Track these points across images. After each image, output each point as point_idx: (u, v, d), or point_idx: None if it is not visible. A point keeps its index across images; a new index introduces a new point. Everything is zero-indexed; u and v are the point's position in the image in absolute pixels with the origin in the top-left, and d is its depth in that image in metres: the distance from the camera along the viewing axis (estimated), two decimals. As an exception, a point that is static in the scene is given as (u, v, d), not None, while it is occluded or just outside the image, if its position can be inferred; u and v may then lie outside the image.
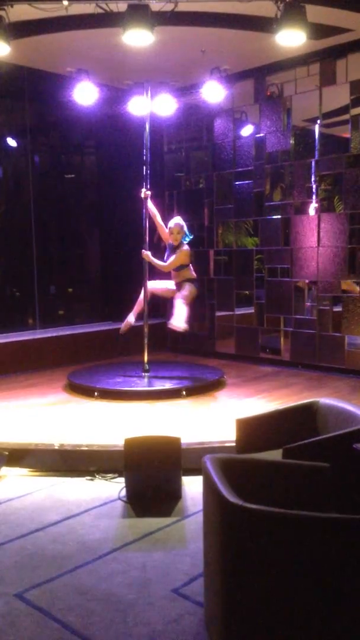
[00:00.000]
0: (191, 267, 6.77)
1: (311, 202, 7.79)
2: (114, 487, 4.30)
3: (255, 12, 5.82)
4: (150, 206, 6.72)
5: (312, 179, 7.60)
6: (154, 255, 6.67)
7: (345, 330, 7.24)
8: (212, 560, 2.54)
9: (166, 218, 9.20)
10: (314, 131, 7.52)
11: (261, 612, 2.32)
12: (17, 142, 8.58)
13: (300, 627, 2.29)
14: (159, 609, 2.85)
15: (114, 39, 6.16)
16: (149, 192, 6.67)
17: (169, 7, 5.44)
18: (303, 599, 2.28)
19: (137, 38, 5.38)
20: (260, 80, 7.85)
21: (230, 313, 8.43)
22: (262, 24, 5.88)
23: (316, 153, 7.50)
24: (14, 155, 8.71)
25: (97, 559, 3.33)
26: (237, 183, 8.22)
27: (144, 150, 6.70)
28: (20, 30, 6.00)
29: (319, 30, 6.31)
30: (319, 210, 7.64)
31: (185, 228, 6.68)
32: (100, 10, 5.64)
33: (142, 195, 6.68)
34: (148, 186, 6.70)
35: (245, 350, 8.24)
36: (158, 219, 6.79)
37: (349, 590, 2.27)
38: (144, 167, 6.70)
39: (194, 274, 6.79)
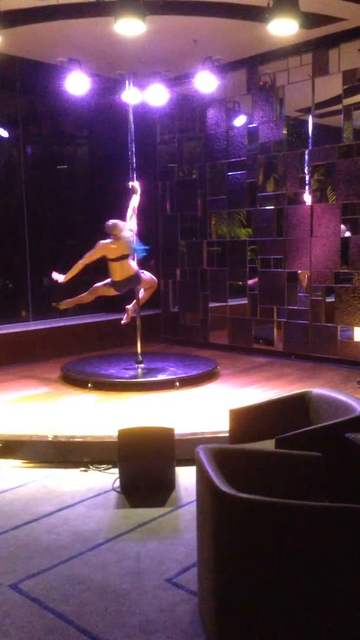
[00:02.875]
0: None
1: (304, 192, 7.78)
2: (107, 478, 4.32)
3: (248, 1, 5.78)
4: (133, 199, 6.66)
5: (305, 169, 7.59)
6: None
7: (338, 321, 7.26)
8: (206, 549, 2.56)
9: (159, 209, 9.20)
10: (306, 121, 7.50)
11: (254, 601, 2.34)
12: (9, 133, 8.53)
13: (293, 615, 2.31)
14: (153, 598, 2.87)
15: (105, 28, 6.12)
16: (137, 186, 6.62)
17: (160, -4, 5.41)
18: (296, 587, 2.30)
19: (129, 27, 5.34)
20: (252, 70, 7.82)
21: (224, 304, 8.44)
22: (254, 13, 5.85)
23: (309, 143, 7.49)
24: (5, 145, 8.66)
25: (91, 549, 3.35)
26: (230, 174, 8.20)
27: (129, 142, 6.67)
28: (12, 19, 5.94)
29: (311, 20, 6.28)
30: (312, 201, 7.63)
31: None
32: (91, -1, 5.60)
33: (131, 187, 6.64)
34: (133, 178, 6.66)
35: (239, 341, 8.26)
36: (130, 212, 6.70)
37: (341, 577, 2.29)
38: (130, 159, 6.67)
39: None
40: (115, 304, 8.90)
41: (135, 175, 6.69)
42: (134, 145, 6.72)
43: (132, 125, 6.71)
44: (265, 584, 2.32)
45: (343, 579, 2.29)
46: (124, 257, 6.43)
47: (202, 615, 2.68)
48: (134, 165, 6.70)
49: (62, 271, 6.47)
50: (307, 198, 7.77)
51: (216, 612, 2.42)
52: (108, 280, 6.58)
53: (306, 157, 7.51)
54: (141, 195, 6.73)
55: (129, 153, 6.68)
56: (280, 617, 2.33)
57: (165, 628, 2.64)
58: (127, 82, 6.67)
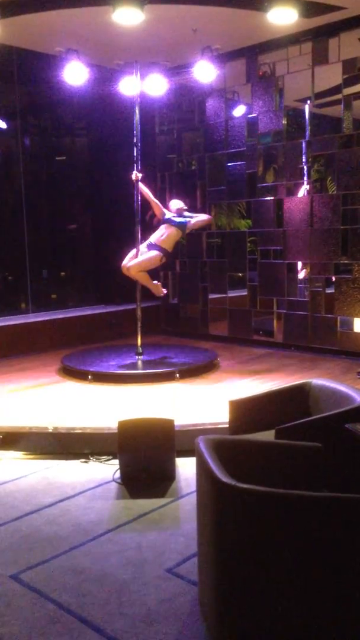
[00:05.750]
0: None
1: (304, 183, 7.75)
2: (108, 469, 4.33)
3: (247, -11, 5.75)
4: (142, 187, 6.68)
5: (305, 159, 7.56)
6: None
7: (338, 312, 7.25)
8: (206, 539, 2.56)
9: (158, 200, 9.17)
10: (306, 111, 7.46)
11: (254, 591, 2.34)
12: (7, 124, 8.49)
13: (293, 605, 2.32)
14: (154, 588, 2.88)
15: (103, 17, 6.08)
16: (139, 175, 6.62)
17: (159, -16, 5.37)
18: (296, 577, 2.31)
19: (127, 17, 5.33)
20: (252, 60, 7.77)
21: (224, 295, 8.43)
22: (253, 2, 5.81)
23: (308, 133, 7.46)
24: (3, 137, 8.62)
25: (91, 540, 3.36)
26: (229, 164, 8.16)
27: (134, 132, 6.64)
28: (9, 9, 5.91)
29: (310, 8, 6.25)
30: (312, 191, 7.61)
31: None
32: (89, -12, 5.56)
33: (133, 177, 6.64)
34: (139, 168, 6.65)
35: (239, 333, 8.25)
36: (151, 197, 6.73)
37: (341, 567, 2.30)
38: (135, 149, 6.65)
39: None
40: (113, 297, 8.92)
41: (135, 166, 6.66)
42: (139, 135, 6.67)
43: (138, 115, 6.65)
44: (265, 574, 2.32)
45: (343, 569, 2.30)
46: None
47: (202, 605, 2.69)
48: (139, 155, 6.66)
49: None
50: (307, 189, 7.74)
51: (216, 602, 2.43)
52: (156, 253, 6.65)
53: (306, 147, 7.47)
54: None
55: (134, 142, 6.63)
56: (281, 607, 2.33)
57: (165, 618, 2.65)
58: (134, 72, 6.61)
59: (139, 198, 6.67)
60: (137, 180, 6.61)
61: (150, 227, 7.06)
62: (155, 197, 6.94)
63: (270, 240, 7.85)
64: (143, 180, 6.69)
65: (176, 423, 4.20)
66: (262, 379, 6.21)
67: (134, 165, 6.65)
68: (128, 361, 6.67)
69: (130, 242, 6.75)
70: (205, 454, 2.57)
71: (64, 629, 2.60)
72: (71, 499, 3.90)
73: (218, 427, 4.53)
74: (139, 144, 6.66)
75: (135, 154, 6.64)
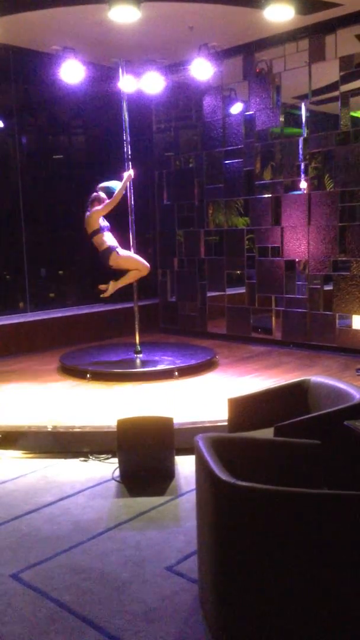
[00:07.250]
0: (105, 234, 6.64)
1: (301, 180, 7.75)
2: (107, 468, 4.33)
3: (243, -14, 5.74)
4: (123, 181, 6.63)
5: (302, 157, 7.55)
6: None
7: (336, 309, 7.26)
8: (205, 537, 2.56)
9: (156, 198, 9.17)
10: (302, 109, 7.45)
11: (254, 588, 2.35)
12: (4, 123, 8.47)
13: (292, 602, 2.32)
14: (154, 586, 2.88)
15: (100, 15, 6.07)
16: (131, 173, 6.61)
17: (155, -18, 5.36)
18: (296, 575, 2.31)
19: (124, 14, 5.32)
20: (249, 57, 7.75)
21: (222, 293, 8.42)
22: (250, -1, 5.81)
23: (305, 130, 7.45)
24: (0, 136, 8.60)
25: (91, 539, 3.36)
26: (226, 162, 8.15)
27: (123, 130, 6.65)
28: (4, 7, 5.89)
29: (307, 5, 6.24)
30: (310, 189, 7.60)
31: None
32: (85, -14, 5.55)
33: (125, 176, 6.62)
34: (129, 166, 6.64)
35: (237, 330, 8.25)
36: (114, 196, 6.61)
37: (341, 565, 2.30)
38: (125, 147, 6.65)
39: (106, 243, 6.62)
40: (113, 294, 8.84)
41: (130, 164, 6.66)
42: (128, 134, 6.68)
43: (126, 114, 6.66)
44: (265, 572, 2.33)
45: (343, 567, 2.30)
46: (92, 233, 6.61)
47: (202, 603, 2.69)
48: (129, 154, 6.66)
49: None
50: (304, 186, 7.74)
51: (216, 599, 2.43)
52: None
53: (303, 144, 7.46)
54: (138, 185, 6.69)
55: (130, 140, 6.64)
56: (281, 605, 2.33)
57: (166, 616, 2.65)
58: (120, 70, 6.61)
59: (132, 196, 6.66)
60: (129, 178, 6.59)
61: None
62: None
63: (268, 237, 7.84)
64: (141, 177, 6.66)
65: (175, 421, 4.20)
66: (261, 376, 6.21)
67: (128, 163, 6.65)
68: (127, 360, 6.67)
69: (128, 240, 6.75)
70: (205, 451, 2.57)
71: (64, 627, 2.60)
72: (71, 497, 3.90)
73: (217, 425, 4.53)
74: (129, 140, 6.64)
75: (125, 152, 6.63)
